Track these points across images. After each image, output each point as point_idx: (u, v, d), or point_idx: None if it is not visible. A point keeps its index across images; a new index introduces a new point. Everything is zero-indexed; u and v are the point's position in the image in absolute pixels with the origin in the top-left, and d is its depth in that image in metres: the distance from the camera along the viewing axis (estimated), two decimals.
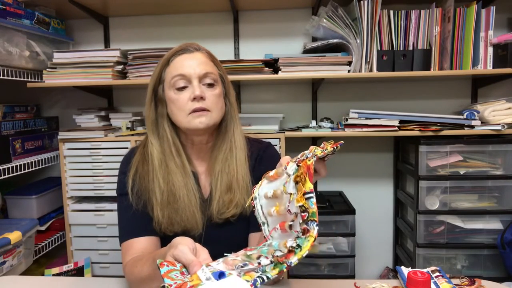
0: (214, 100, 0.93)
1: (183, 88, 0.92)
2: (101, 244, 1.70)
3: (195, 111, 0.90)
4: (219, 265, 0.63)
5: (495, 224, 1.63)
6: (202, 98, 0.91)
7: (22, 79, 1.63)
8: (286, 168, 0.65)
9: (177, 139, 0.97)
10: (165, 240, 0.93)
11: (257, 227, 0.89)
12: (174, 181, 0.93)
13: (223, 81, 0.98)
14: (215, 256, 0.78)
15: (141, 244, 0.92)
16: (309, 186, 0.59)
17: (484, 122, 1.61)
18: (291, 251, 0.58)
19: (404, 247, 1.90)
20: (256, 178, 0.99)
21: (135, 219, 0.94)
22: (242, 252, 0.65)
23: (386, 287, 0.86)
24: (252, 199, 0.71)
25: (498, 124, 1.58)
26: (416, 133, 1.61)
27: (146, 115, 0.98)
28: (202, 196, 0.98)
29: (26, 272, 1.53)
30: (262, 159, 1.03)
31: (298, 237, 0.59)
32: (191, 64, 0.92)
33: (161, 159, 0.95)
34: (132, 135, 1.69)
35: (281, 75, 1.63)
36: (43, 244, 1.69)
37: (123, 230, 0.96)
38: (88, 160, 1.68)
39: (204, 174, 1.01)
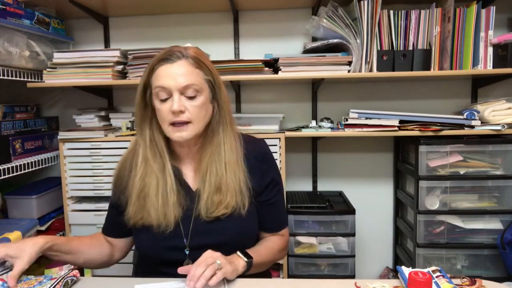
0: (195, 111, 0.93)
1: (165, 99, 0.92)
2: None
3: (173, 124, 0.92)
4: None
5: (495, 224, 1.63)
6: (181, 112, 0.91)
7: (22, 79, 1.63)
8: None
9: (162, 141, 0.99)
10: (136, 230, 1.02)
11: (269, 229, 1.07)
12: (149, 181, 0.97)
13: (211, 85, 0.97)
14: (204, 246, 0.90)
15: (113, 240, 1.10)
16: None
17: (484, 122, 1.61)
18: None
19: (404, 247, 1.90)
20: (257, 178, 1.02)
21: (113, 218, 1.08)
22: None
23: (387, 287, 0.86)
24: None
25: (498, 124, 1.58)
26: (416, 133, 1.61)
27: (135, 115, 1.01)
28: (190, 189, 1.01)
29: (26, 272, 1.52)
30: (264, 159, 1.06)
31: None
32: (172, 75, 0.91)
33: (144, 157, 0.99)
34: (132, 135, 1.69)
35: (281, 75, 1.63)
36: None
37: (105, 223, 1.12)
38: (88, 160, 1.68)
39: (193, 172, 1.03)
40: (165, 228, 0.96)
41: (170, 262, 0.97)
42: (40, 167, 1.70)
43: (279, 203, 1.09)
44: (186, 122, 0.92)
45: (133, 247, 1.17)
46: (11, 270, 0.87)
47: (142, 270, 1.10)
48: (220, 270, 0.84)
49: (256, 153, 1.03)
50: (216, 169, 0.97)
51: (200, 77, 0.94)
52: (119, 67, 1.69)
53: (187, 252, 0.98)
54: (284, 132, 1.68)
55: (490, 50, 1.61)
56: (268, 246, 1.04)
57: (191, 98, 0.92)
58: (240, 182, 0.97)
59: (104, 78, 1.65)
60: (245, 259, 0.92)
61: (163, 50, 0.96)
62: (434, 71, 1.62)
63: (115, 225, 1.06)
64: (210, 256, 0.86)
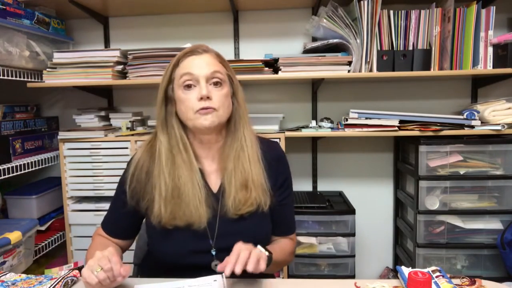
0: (220, 99, 0.94)
1: (191, 88, 0.94)
2: None
3: (202, 109, 0.92)
4: None
5: (495, 224, 1.63)
6: (208, 98, 0.93)
7: (22, 79, 1.63)
8: None
9: (185, 136, 0.99)
10: (165, 233, 0.95)
11: (280, 232, 1.06)
12: (179, 175, 0.95)
13: (231, 81, 1.00)
14: (230, 247, 0.84)
15: (111, 239, 1.04)
16: None
17: (484, 122, 1.61)
18: None
19: (404, 247, 1.90)
20: (273, 178, 1.02)
21: (120, 220, 1.04)
22: None
23: (387, 287, 0.86)
24: None
25: (498, 124, 1.58)
26: (416, 133, 1.61)
27: (157, 113, 0.99)
28: (211, 191, 0.99)
29: (26, 272, 1.52)
30: (279, 160, 1.07)
31: None
32: (199, 64, 0.94)
33: (168, 155, 0.97)
34: (132, 135, 1.69)
35: (281, 75, 1.63)
36: (43, 244, 1.69)
37: (107, 220, 1.06)
38: (88, 160, 1.68)
39: (214, 174, 1.02)
40: (198, 227, 0.93)
41: (195, 266, 0.94)
42: (40, 167, 1.70)
43: (290, 206, 1.10)
44: (213, 109, 0.93)
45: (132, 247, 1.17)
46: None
47: (146, 270, 1.10)
48: (262, 258, 0.82)
49: (272, 154, 1.05)
50: (243, 165, 0.97)
51: (223, 70, 0.98)
52: (119, 67, 1.69)
53: (213, 253, 0.96)
54: (284, 132, 1.68)
55: (490, 50, 1.61)
56: (281, 247, 1.03)
57: (216, 86, 0.95)
58: (262, 178, 0.98)
59: (104, 78, 1.65)
60: (267, 253, 0.88)
61: (167, 49, 0.96)
62: (434, 71, 1.62)
63: (128, 228, 1.05)
64: (245, 247, 0.83)
